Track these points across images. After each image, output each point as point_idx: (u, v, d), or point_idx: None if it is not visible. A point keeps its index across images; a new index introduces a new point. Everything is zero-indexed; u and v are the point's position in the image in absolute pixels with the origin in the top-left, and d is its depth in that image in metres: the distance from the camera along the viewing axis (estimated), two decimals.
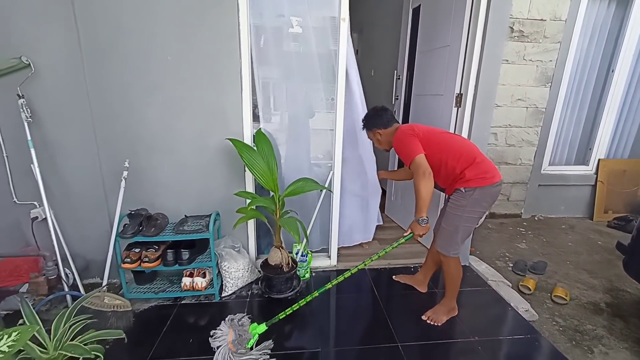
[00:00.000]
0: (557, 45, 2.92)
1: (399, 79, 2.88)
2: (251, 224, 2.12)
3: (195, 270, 1.89)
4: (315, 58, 2.02)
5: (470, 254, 2.38)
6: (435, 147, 1.63)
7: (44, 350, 1.23)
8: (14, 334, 0.98)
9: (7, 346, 0.96)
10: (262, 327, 1.53)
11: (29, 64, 1.61)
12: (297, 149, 2.20)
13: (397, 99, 2.95)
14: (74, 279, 1.79)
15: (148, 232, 1.73)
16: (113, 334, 1.37)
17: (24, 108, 1.61)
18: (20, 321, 1.31)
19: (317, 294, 1.59)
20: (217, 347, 1.47)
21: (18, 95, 1.60)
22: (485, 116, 2.06)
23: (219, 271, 1.92)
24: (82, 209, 1.87)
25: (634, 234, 1.64)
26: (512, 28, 2.82)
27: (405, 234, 1.60)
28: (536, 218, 3.36)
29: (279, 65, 2.03)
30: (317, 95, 2.14)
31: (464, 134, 2.09)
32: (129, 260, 1.73)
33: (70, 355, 1.24)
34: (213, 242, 1.80)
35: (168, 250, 1.79)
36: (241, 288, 1.98)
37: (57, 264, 1.70)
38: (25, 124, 1.62)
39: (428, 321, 1.74)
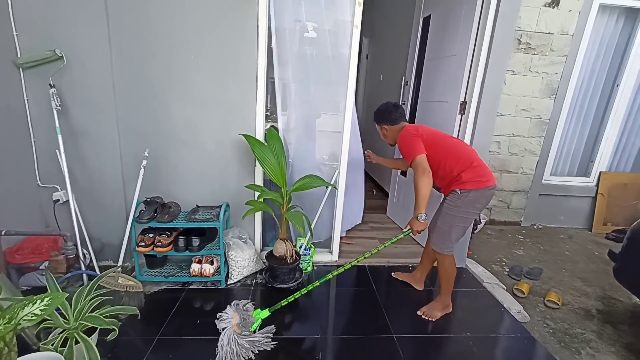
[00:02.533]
0: (563, 59, 2.99)
1: (406, 84, 2.97)
2: (258, 216, 2.22)
3: (204, 257, 1.99)
4: (326, 61, 2.13)
5: (467, 257, 2.46)
6: (436, 149, 1.72)
7: (66, 320, 1.34)
8: (46, 299, 1.09)
9: (40, 310, 1.07)
10: (266, 312, 1.63)
11: (62, 57, 1.73)
12: (304, 149, 2.30)
13: (404, 104, 3.04)
14: (91, 259, 1.90)
15: (162, 219, 1.84)
16: (128, 310, 1.48)
17: (54, 97, 1.72)
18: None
19: (318, 284, 1.68)
20: (223, 329, 1.56)
21: (50, 84, 1.71)
22: (488, 124, 2.15)
23: (225, 259, 2.03)
24: (101, 194, 1.99)
25: (624, 243, 1.71)
26: (519, 40, 2.90)
27: (404, 230, 1.69)
28: (535, 227, 3.42)
29: (292, 66, 2.13)
30: (324, 97, 2.24)
31: (467, 140, 2.17)
32: (143, 244, 1.84)
33: (89, 325, 1.35)
34: (222, 232, 1.90)
35: (180, 237, 1.89)
36: (246, 277, 2.08)
37: (76, 245, 1.82)
38: (55, 112, 1.74)
39: (423, 316, 1.82)
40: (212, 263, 1.98)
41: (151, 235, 1.88)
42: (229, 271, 2.03)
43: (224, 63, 1.92)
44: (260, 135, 2.04)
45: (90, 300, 1.39)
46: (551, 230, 3.35)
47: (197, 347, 1.53)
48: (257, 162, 2.04)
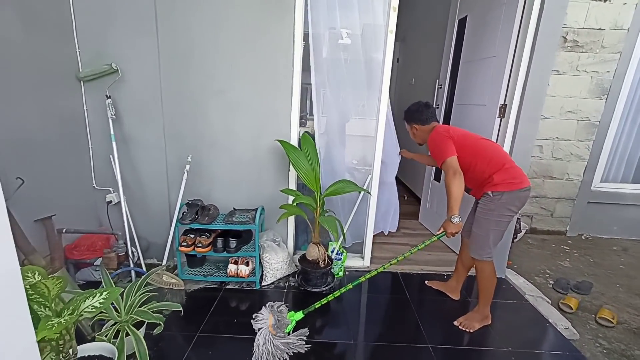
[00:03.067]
0: (616, 56, 2.77)
1: (440, 88, 2.90)
2: (291, 220, 2.26)
3: (240, 258, 2.07)
4: (358, 66, 2.14)
5: (507, 267, 2.34)
6: (468, 151, 1.68)
7: (118, 313, 1.45)
8: (105, 293, 1.19)
9: (99, 303, 1.17)
10: (299, 315, 1.65)
11: (117, 70, 1.89)
12: (336, 153, 2.31)
13: (438, 107, 2.96)
14: (138, 257, 2.04)
15: (203, 220, 1.94)
16: (172, 306, 1.57)
17: (110, 107, 1.89)
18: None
19: (351, 286, 1.68)
20: (259, 329, 1.61)
21: (106, 95, 1.88)
22: (531, 128, 2.04)
23: (260, 261, 2.09)
24: (148, 197, 2.14)
25: None
26: (565, 38, 2.73)
27: (437, 232, 1.64)
28: (583, 237, 3.17)
29: (326, 72, 2.15)
30: (356, 101, 2.25)
31: (507, 145, 2.08)
32: (185, 244, 1.95)
33: (138, 319, 1.45)
34: (258, 234, 1.96)
35: (218, 238, 1.98)
36: (279, 279, 2.12)
37: (126, 243, 1.96)
38: (110, 120, 1.91)
39: (460, 327, 1.76)
40: (247, 264, 2.05)
41: (192, 236, 1.99)
42: (263, 273, 2.09)
43: (261, 71, 1.99)
44: (294, 141, 2.09)
45: (140, 295, 1.50)
46: (602, 241, 3.09)
47: (235, 346, 1.58)
48: (291, 166, 2.09)
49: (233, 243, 1.98)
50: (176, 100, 2.01)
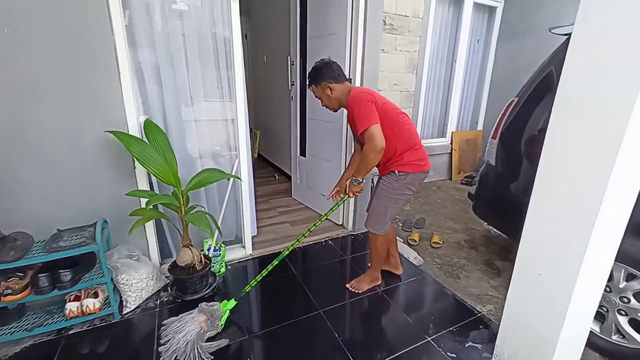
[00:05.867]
0: (418, 39, 3.49)
1: (292, 64, 2.95)
2: (150, 226, 1.88)
3: (84, 291, 1.58)
4: (203, 41, 1.88)
5: None
6: (387, 122, 1.55)
7: None
8: None
9: None
10: (232, 303, 1.56)
11: None
12: (188, 141, 2.02)
13: (293, 84, 3.03)
14: None
15: (5, 258, 1.35)
16: None
17: None
18: None
19: (276, 262, 1.70)
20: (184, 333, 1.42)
21: None
22: None
23: (114, 286, 1.66)
24: None
25: (476, 186, 2.19)
26: (384, 21, 3.23)
27: (340, 196, 1.70)
28: None
29: (161, 47, 1.79)
30: (206, 82, 1.99)
31: None
32: None
33: None
34: (104, 255, 1.53)
35: (39, 275, 1.43)
36: (147, 299, 1.77)
37: None
38: None
39: (351, 289, 1.86)
40: (95, 296, 1.60)
41: None
42: (123, 298, 1.68)
43: (65, 41, 1.46)
44: (134, 130, 1.69)
45: None
46: (426, 184, 4.04)
47: None
48: (136, 162, 1.70)
49: (66, 275, 1.47)
50: None
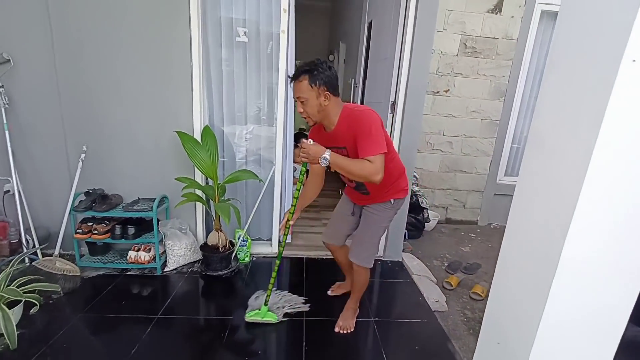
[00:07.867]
0: (509, 62, 3.09)
1: (356, 87, 3.11)
2: (199, 208, 2.35)
3: (142, 245, 2.13)
4: (257, 70, 2.27)
5: (404, 251, 2.55)
6: (389, 148, 1.43)
7: None
8: None
9: None
10: (268, 313, 1.71)
11: (9, 60, 1.92)
12: (236, 149, 2.42)
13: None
14: (34, 245, 2.06)
15: (99, 208, 1.99)
16: (49, 287, 1.61)
17: (2, 96, 1.91)
18: None
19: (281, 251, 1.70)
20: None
21: None
22: (415, 122, 2.26)
23: (164, 250, 2.16)
24: (49, 186, 2.15)
25: None
26: (465, 44, 3.02)
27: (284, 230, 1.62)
28: (492, 226, 3.48)
29: (225, 71, 2.25)
30: (256, 106, 2.36)
31: (396, 139, 2.29)
32: (80, 231, 1.99)
33: (11, 298, 1.48)
34: (156, 221, 2.04)
35: (116, 225, 2.04)
36: (183, 265, 2.21)
37: (19, 231, 1.97)
38: (2, 109, 1.92)
39: (342, 331, 1.68)
40: (148, 251, 2.12)
41: (90, 223, 2.03)
42: (167, 259, 2.16)
43: (158, 66, 2.08)
44: (197, 133, 2.19)
45: (9, 275, 1.53)
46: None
47: (115, 325, 1.65)
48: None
49: (131, 230, 2.04)
50: (74, 90, 2.05)
